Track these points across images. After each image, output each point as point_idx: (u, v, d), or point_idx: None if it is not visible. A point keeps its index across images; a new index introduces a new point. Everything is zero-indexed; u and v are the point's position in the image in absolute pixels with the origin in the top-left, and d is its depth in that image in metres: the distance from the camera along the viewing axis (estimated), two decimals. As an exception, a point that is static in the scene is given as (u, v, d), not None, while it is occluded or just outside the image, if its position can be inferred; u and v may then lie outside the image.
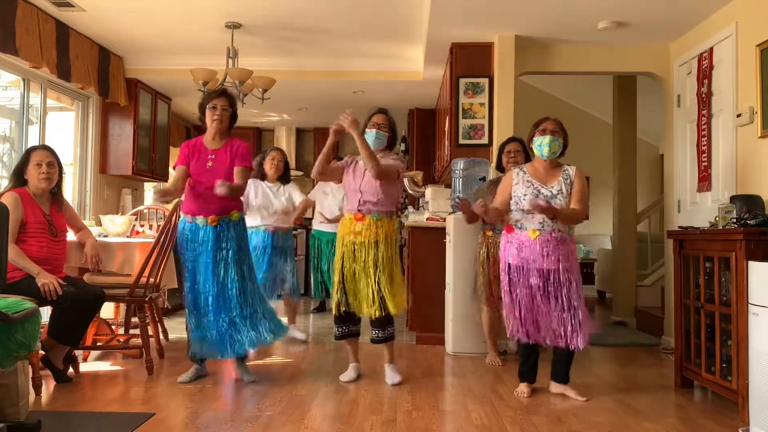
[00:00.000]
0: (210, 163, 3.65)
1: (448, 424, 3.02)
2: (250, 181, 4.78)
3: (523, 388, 3.53)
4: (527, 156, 4.33)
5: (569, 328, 3.36)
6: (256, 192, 5.01)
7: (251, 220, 4.93)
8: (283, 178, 5.11)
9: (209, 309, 3.63)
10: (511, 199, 3.51)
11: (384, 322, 3.70)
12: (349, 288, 3.68)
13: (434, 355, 4.57)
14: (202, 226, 3.63)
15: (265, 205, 4.97)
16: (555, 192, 3.44)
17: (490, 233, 4.36)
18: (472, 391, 3.63)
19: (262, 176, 5.07)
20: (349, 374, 3.79)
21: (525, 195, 3.45)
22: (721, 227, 3.38)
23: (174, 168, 3.73)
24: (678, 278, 3.79)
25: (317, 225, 5.73)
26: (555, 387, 3.58)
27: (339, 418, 3.04)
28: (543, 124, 3.52)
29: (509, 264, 3.48)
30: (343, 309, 3.71)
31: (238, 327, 3.63)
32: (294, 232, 5.97)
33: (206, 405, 3.22)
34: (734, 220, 3.34)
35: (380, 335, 3.74)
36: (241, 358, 3.79)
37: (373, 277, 3.63)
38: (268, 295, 4.89)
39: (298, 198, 5.10)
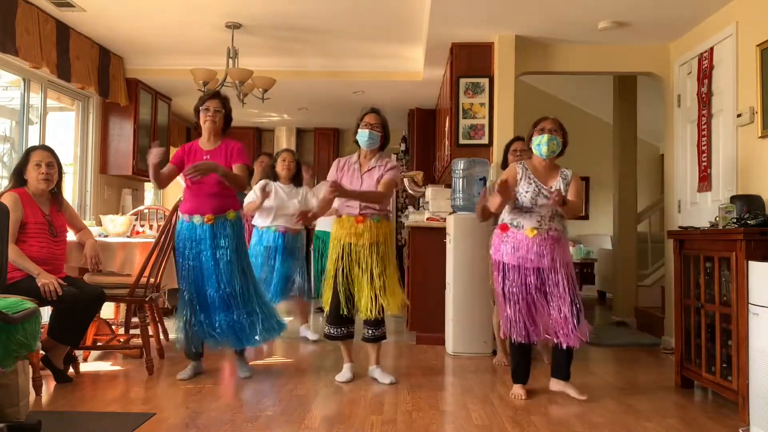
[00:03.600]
0: None
1: (448, 424, 3.02)
2: (263, 182, 4.92)
3: (518, 390, 3.48)
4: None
5: (567, 325, 3.34)
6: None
7: (262, 221, 4.99)
8: (296, 179, 5.12)
9: (210, 307, 3.68)
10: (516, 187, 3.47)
11: (379, 321, 3.72)
12: (348, 289, 3.67)
13: (434, 355, 4.57)
14: (198, 225, 3.69)
15: (279, 206, 4.96)
16: (554, 191, 3.43)
17: None
18: (472, 391, 3.63)
19: (275, 178, 5.07)
20: (345, 374, 3.78)
21: (527, 192, 3.43)
22: (721, 227, 3.38)
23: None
24: (678, 278, 3.78)
25: (321, 226, 5.74)
26: (555, 384, 3.57)
27: (339, 418, 3.04)
28: (541, 123, 3.50)
29: (504, 263, 3.46)
30: (343, 312, 3.68)
31: (240, 324, 3.71)
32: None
33: (206, 405, 3.22)
34: (734, 220, 3.34)
35: (374, 333, 3.75)
36: (240, 353, 3.87)
37: (374, 278, 3.63)
38: (278, 295, 4.93)
39: (314, 203, 5.10)
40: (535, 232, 3.40)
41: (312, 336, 5.13)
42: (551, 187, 3.44)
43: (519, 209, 3.45)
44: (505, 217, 3.52)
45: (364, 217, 3.67)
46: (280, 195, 4.98)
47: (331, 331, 3.77)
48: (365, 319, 3.70)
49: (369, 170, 3.74)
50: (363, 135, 3.73)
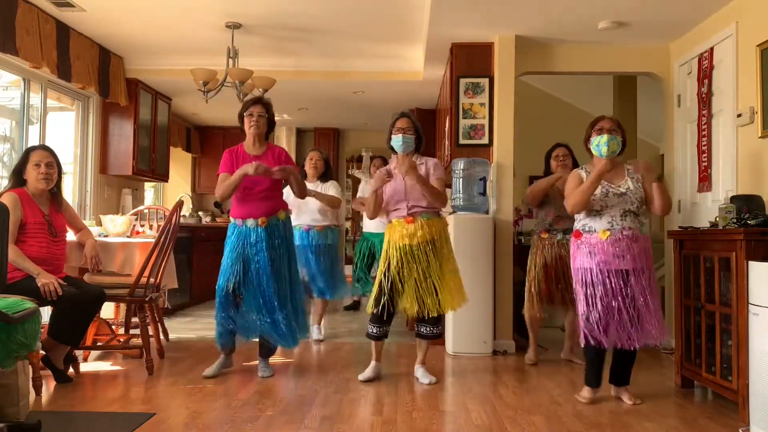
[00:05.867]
0: None
1: (448, 424, 3.02)
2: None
3: (586, 393, 3.44)
4: (575, 160, 4.40)
5: (646, 326, 3.29)
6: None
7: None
8: (324, 176, 5.16)
9: (260, 306, 3.72)
10: None
11: (438, 319, 3.77)
12: (401, 290, 3.68)
13: (434, 355, 4.57)
14: (253, 229, 3.75)
15: (299, 203, 4.97)
16: (624, 190, 3.38)
17: (546, 235, 4.37)
18: (472, 391, 3.63)
19: (303, 177, 5.10)
20: (368, 374, 3.78)
21: (596, 193, 3.36)
22: (721, 227, 3.38)
23: (218, 175, 3.82)
24: (678, 278, 3.78)
25: (369, 227, 5.84)
26: (615, 390, 3.52)
27: (339, 418, 3.04)
28: (600, 123, 3.46)
29: (583, 269, 3.36)
30: (388, 310, 3.69)
31: (284, 323, 3.76)
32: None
33: (206, 405, 3.22)
34: (734, 220, 3.34)
35: (432, 331, 3.78)
36: (267, 354, 3.94)
37: (431, 276, 3.67)
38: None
39: (332, 192, 5.13)
40: (608, 233, 3.32)
41: (319, 336, 5.13)
42: (620, 186, 3.39)
43: (588, 213, 3.39)
44: (577, 224, 3.47)
45: (414, 216, 3.72)
46: None
47: (374, 330, 3.78)
48: (420, 317, 3.71)
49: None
50: (397, 140, 3.78)
